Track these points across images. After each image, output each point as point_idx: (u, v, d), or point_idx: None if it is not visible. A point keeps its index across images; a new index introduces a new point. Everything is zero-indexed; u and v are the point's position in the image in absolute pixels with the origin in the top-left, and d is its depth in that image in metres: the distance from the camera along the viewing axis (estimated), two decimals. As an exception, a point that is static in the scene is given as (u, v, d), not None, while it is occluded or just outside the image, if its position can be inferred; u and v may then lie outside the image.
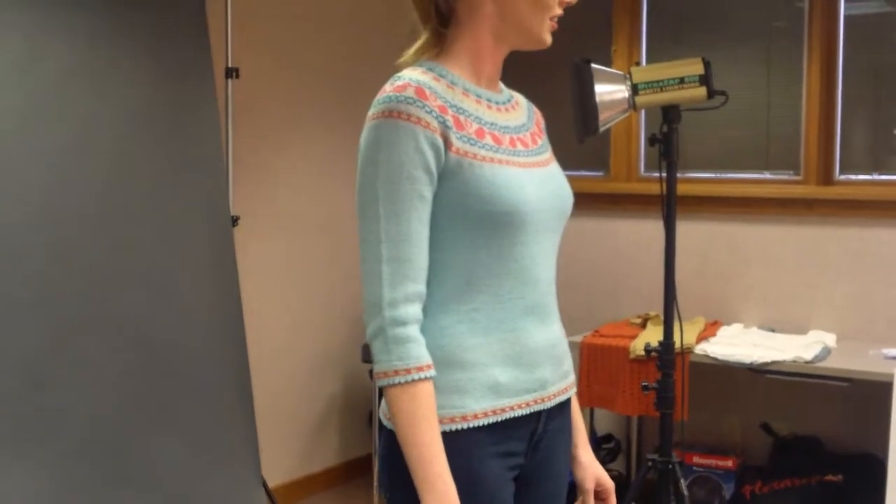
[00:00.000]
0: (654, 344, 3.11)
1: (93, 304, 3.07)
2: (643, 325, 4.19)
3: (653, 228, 4.49)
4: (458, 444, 1.60)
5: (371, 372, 4.41)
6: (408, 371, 1.55)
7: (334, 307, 4.70)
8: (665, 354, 3.07)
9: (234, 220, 3.74)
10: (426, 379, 1.56)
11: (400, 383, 1.55)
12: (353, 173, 4.74)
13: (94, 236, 3.09)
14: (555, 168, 1.81)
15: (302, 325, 4.54)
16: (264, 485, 3.62)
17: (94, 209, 3.10)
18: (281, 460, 4.45)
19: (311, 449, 4.62)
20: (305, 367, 4.57)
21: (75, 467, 2.98)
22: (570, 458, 1.87)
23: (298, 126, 4.46)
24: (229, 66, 3.79)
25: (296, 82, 4.44)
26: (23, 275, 2.90)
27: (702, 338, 3.95)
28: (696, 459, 4.13)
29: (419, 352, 1.56)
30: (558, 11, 1.71)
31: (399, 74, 1.66)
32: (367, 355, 4.38)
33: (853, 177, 4.14)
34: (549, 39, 1.73)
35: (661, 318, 4.15)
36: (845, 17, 4.12)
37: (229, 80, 3.79)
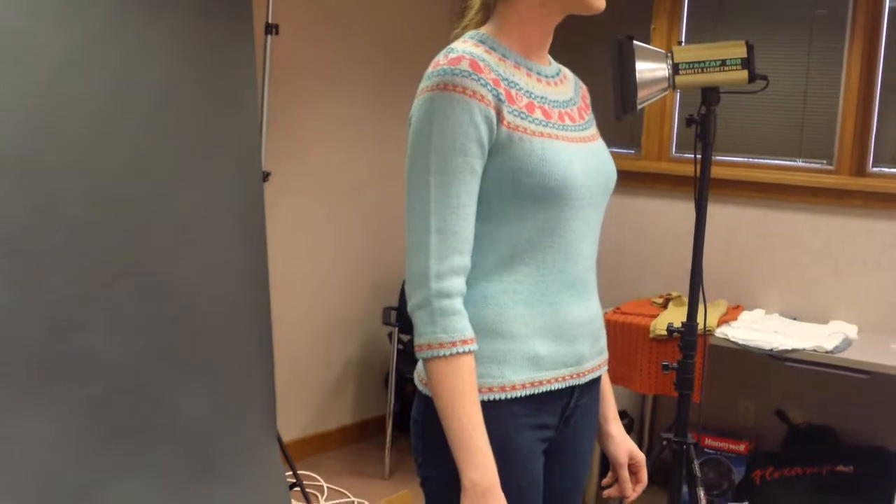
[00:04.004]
0: (677, 324, 3.12)
1: (125, 252, 3.09)
2: (664, 305, 4.19)
3: (681, 209, 4.49)
4: (495, 413, 1.62)
5: (390, 334, 4.44)
6: (452, 344, 1.56)
7: (358, 268, 4.72)
8: (687, 335, 3.07)
9: (265, 176, 3.75)
10: (469, 352, 1.57)
11: (444, 356, 1.56)
12: (386, 134, 4.75)
13: (129, 185, 3.11)
14: (600, 144, 1.81)
15: (325, 284, 4.56)
16: (279, 440, 3.66)
17: (130, 159, 3.12)
18: (297, 416, 4.49)
19: (327, 407, 4.65)
20: (326, 326, 4.59)
21: (98, 412, 3.02)
22: (596, 435, 1.89)
23: (335, 86, 4.46)
24: (269, 21, 3.78)
25: (335, 41, 4.43)
26: (59, 221, 2.93)
27: (723, 321, 3.95)
28: (709, 441, 4.15)
29: (463, 325, 1.57)
30: None
31: (452, 46, 1.66)
32: (387, 317, 4.40)
33: (886, 170, 4.12)
34: (598, 3, 1.69)
35: (684, 298, 4.16)
36: (890, 8, 4.08)
37: (268, 37, 3.79)
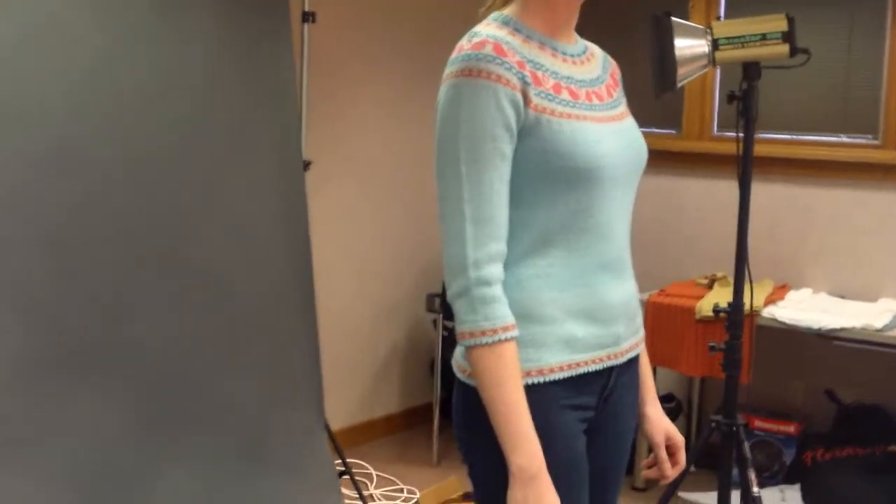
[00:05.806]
0: (723, 305, 3.08)
1: (169, 242, 3.12)
2: (710, 286, 4.15)
3: (724, 188, 4.43)
4: (534, 397, 1.60)
5: (434, 321, 4.44)
6: (494, 331, 1.55)
7: (401, 255, 4.72)
8: (734, 315, 3.04)
9: (306, 165, 3.76)
10: (511, 339, 1.57)
11: (487, 343, 1.55)
12: (425, 120, 4.74)
13: (173, 175, 3.13)
14: (630, 122, 1.79)
15: (369, 271, 4.57)
16: (328, 428, 3.67)
17: (173, 149, 3.14)
18: (343, 405, 4.50)
19: (373, 395, 4.67)
20: (370, 314, 4.60)
21: (147, 401, 3.05)
22: (636, 413, 1.87)
23: (373, 72, 4.46)
24: (306, 10, 3.79)
25: (372, 28, 4.43)
26: (108, 210, 2.96)
27: (769, 301, 3.91)
28: (758, 423, 4.11)
29: (504, 311, 1.57)
30: None
31: (475, 30, 1.64)
32: (431, 304, 4.40)
33: (934, 143, 4.05)
34: None
35: (729, 279, 4.11)
36: (935, -22, 4.00)
37: (305, 25, 3.79)
